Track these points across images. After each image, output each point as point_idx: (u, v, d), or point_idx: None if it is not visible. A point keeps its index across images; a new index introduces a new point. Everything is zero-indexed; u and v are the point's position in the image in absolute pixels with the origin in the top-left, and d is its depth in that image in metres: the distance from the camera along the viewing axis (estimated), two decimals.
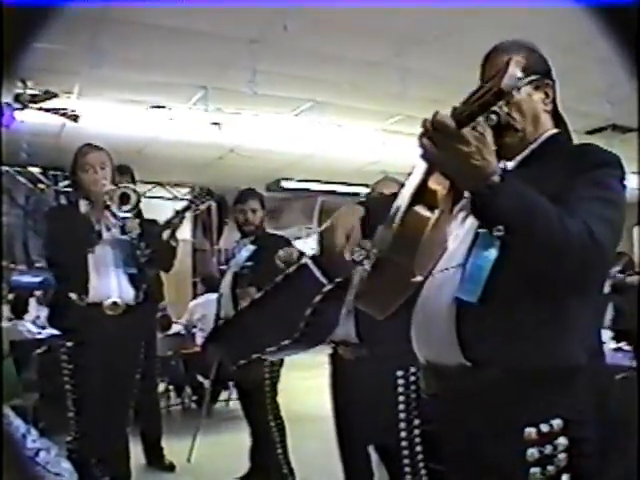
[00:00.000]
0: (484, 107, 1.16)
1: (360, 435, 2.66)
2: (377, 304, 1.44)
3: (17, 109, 5.41)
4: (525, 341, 1.29)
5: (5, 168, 7.87)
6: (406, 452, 2.43)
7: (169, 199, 9.62)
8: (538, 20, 3.72)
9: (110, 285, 2.96)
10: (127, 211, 2.90)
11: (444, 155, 1.20)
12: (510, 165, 1.45)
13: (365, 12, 4.20)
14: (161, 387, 5.51)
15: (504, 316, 1.30)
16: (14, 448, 1.83)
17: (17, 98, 5.34)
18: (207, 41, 4.76)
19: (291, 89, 5.88)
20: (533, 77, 1.44)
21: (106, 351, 2.87)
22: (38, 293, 6.91)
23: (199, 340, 6.02)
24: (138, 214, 3.00)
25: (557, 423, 1.27)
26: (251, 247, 3.55)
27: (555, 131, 1.48)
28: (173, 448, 4.37)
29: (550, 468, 1.27)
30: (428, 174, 1.30)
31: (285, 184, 9.70)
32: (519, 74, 1.13)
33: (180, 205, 3.19)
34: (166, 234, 3.05)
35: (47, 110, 5.71)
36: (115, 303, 2.94)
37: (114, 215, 2.93)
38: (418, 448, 2.35)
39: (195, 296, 8.33)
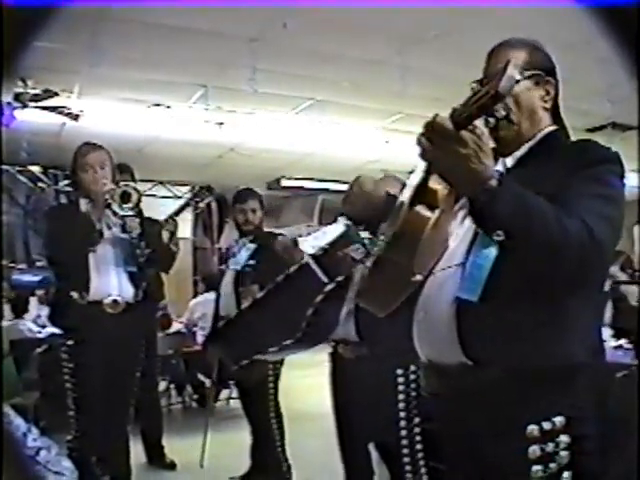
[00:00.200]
0: (482, 110, 1.17)
1: (360, 433, 2.66)
2: (378, 302, 1.45)
3: (17, 108, 5.40)
4: (526, 339, 1.29)
5: (5, 167, 7.87)
6: (406, 450, 2.43)
7: (169, 198, 9.63)
8: (538, 19, 3.71)
9: (110, 283, 2.96)
10: (128, 209, 2.91)
11: (442, 156, 1.20)
12: (509, 162, 1.46)
13: (365, 11, 4.19)
14: (162, 386, 5.51)
15: (505, 315, 1.30)
16: (15, 447, 1.83)
17: (17, 97, 5.34)
18: (207, 40, 4.76)
19: (291, 87, 5.88)
20: (533, 72, 1.44)
21: (106, 350, 2.88)
22: (39, 292, 6.91)
23: (200, 339, 6.01)
24: (138, 213, 3.00)
25: (559, 421, 1.27)
26: (251, 246, 3.56)
27: (553, 128, 1.48)
28: (174, 447, 4.37)
29: (552, 466, 1.27)
30: (429, 174, 1.30)
31: (285, 182, 9.70)
32: (517, 76, 1.13)
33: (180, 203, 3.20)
34: (166, 237, 3.05)
35: (47, 109, 5.71)
36: (115, 301, 2.94)
37: (115, 214, 2.93)
38: (418, 446, 2.35)
39: (196, 295, 8.33)
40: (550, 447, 1.27)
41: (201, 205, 3.14)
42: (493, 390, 1.30)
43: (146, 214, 3.18)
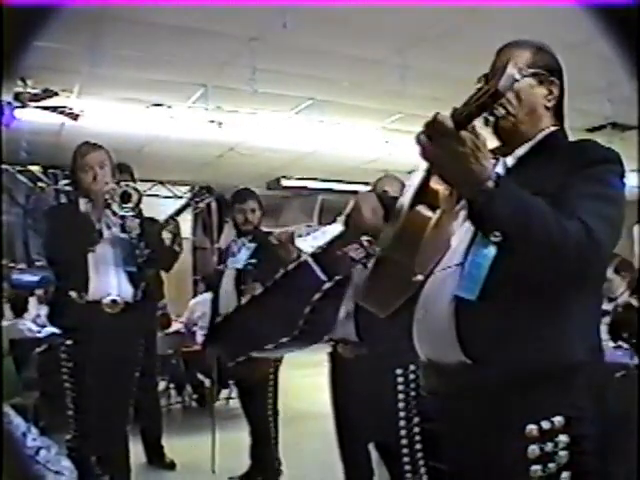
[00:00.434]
0: (482, 108, 1.17)
1: (360, 433, 2.66)
2: (379, 302, 1.45)
3: (17, 108, 5.40)
4: (524, 339, 1.29)
5: (5, 167, 7.86)
6: (406, 450, 2.44)
7: (169, 197, 9.63)
8: (538, 19, 3.71)
9: (109, 283, 2.96)
10: (128, 209, 2.91)
11: (441, 154, 1.21)
12: (509, 162, 1.46)
13: (365, 10, 4.20)
14: (161, 385, 5.52)
15: (503, 314, 1.30)
16: (14, 447, 1.83)
17: (17, 97, 5.33)
18: (207, 39, 4.76)
19: (291, 87, 5.87)
20: (536, 70, 1.44)
21: (106, 349, 2.87)
22: (39, 292, 6.91)
23: (199, 338, 6.01)
24: (138, 213, 3.00)
25: (558, 420, 1.27)
26: (251, 245, 3.57)
27: (554, 128, 1.48)
28: (173, 447, 4.37)
29: (551, 465, 1.27)
30: (430, 174, 1.31)
31: (285, 182, 9.69)
32: (517, 75, 1.13)
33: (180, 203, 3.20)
34: (168, 238, 3.05)
35: (47, 109, 5.70)
36: (114, 301, 2.94)
37: (114, 214, 2.93)
38: (418, 446, 2.35)
39: (195, 294, 8.34)
40: (549, 447, 1.27)
41: (201, 205, 3.14)
42: (492, 389, 1.30)
43: (146, 214, 3.18)
